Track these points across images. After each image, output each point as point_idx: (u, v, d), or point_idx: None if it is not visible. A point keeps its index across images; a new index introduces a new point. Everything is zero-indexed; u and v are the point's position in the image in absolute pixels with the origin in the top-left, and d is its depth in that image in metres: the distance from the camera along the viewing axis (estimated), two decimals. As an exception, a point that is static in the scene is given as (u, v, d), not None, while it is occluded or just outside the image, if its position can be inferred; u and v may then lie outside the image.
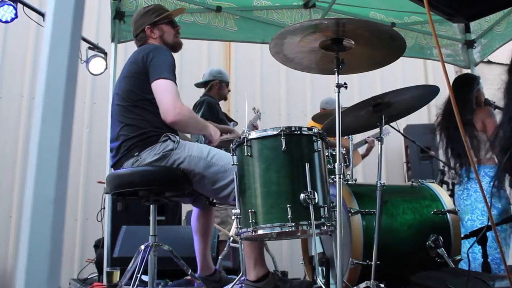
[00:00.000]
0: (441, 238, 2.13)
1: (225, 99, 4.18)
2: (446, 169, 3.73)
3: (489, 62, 6.14)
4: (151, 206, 2.30)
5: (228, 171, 2.15)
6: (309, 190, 1.81)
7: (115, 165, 2.32)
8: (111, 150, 2.37)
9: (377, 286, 1.91)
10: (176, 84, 2.25)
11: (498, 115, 3.33)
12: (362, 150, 4.70)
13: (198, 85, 4.12)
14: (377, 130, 2.19)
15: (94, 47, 4.00)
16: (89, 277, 3.47)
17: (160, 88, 2.21)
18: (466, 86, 3.29)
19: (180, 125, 2.26)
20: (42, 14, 3.65)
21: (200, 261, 2.60)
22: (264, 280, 2.15)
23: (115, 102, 2.39)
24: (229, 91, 4.16)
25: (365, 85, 5.59)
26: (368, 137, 4.60)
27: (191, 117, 2.29)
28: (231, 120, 4.05)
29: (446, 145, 3.26)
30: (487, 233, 2.36)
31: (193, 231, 2.63)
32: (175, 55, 2.42)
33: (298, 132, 1.93)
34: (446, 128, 3.22)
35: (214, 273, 2.62)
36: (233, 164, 1.97)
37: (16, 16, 3.32)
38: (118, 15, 3.65)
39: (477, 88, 3.29)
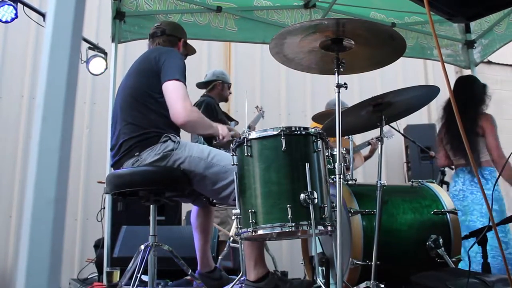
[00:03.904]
0: (441, 238, 2.13)
1: (226, 100, 4.17)
2: (446, 169, 3.73)
3: (489, 62, 6.15)
4: (151, 206, 2.30)
5: (229, 172, 2.15)
6: (309, 190, 1.81)
7: (115, 164, 2.33)
8: (112, 149, 2.37)
9: (377, 286, 1.91)
10: (186, 86, 2.28)
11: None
12: (365, 151, 4.69)
13: (199, 85, 4.11)
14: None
15: (94, 47, 4.00)
16: (89, 277, 3.47)
17: (171, 89, 2.24)
18: (483, 89, 3.31)
19: (189, 127, 2.31)
20: (42, 14, 3.65)
21: (200, 257, 2.61)
22: (264, 280, 2.16)
23: (119, 99, 2.41)
24: (230, 93, 4.15)
25: (365, 85, 5.58)
26: (372, 139, 4.59)
27: (199, 118, 2.33)
28: (231, 119, 4.04)
29: (451, 145, 3.26)
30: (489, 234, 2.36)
31: (193, 228, 2.64)
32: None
33: (298, 132, 1.93)
34: (450, 128, 3.22)
35: (214, 270, 2.62)
36: (233, 164, 1.97)
37: (16, 16, 3.32)
38: (118, 15, 3.65)
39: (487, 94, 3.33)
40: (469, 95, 3.24)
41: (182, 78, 2.27)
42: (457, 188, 3.23)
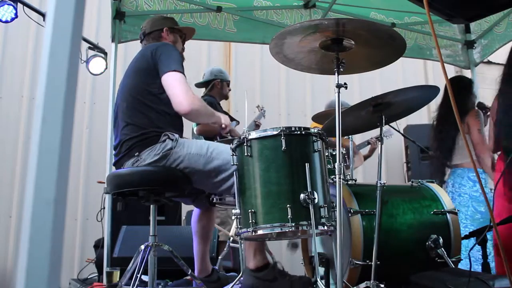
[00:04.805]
0: (441, 238, 2.13)
1: (226, 98, 4.18)
2: (446, 169, 3.74)
3: (489, 62, 6.14)
4: (151, 206, 2.30)
5: (229, 164, 2.14)
6: (309, 190, 1.81)
7: (117, 164, 2.35)
8: (114, 149, 2.39)
9: (377, 286, 1.91)
10: (185, 76, 2.28)
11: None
12: (364, 151, 4.69)
13: (199, 85, 4.11)
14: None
15: (94, 47, 4.00)
16: (89, 277, 3.47)
17: (171, 80, 2.24)
18: (465, 90, 3.31)
19: (193, 115, 2.30)
20: (42, 14, 3.65)
21: (198, 263, 2.59)
22: (263, 270, 2.13)
23: (119, 99, 2.42)
24: (230, 90, 4.16)
25: (365, 85, 5.58)
26: (371, 138, 4.59)
27: (202, 106, 2.33)
28: (232, 119, 4.04)
29: (437, 147, 3.29)
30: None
31: (193, 232, 2.62)
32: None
33: (298, 132, 1.93)
34: (440, 130, 3.25)
35: (212, 274, 2.62)
36: (233, 164, 1.97)
37: (16, 16, 3.32)
38: (118, 15, 3.65)
39: (473, 94, 3.34)
40: (459, 98, 3.24)
41: (180, 68, 2.27)
42: (448, 191, 3.24)
